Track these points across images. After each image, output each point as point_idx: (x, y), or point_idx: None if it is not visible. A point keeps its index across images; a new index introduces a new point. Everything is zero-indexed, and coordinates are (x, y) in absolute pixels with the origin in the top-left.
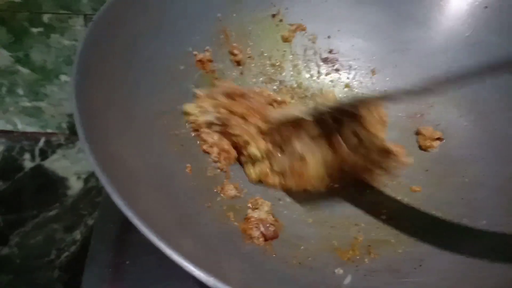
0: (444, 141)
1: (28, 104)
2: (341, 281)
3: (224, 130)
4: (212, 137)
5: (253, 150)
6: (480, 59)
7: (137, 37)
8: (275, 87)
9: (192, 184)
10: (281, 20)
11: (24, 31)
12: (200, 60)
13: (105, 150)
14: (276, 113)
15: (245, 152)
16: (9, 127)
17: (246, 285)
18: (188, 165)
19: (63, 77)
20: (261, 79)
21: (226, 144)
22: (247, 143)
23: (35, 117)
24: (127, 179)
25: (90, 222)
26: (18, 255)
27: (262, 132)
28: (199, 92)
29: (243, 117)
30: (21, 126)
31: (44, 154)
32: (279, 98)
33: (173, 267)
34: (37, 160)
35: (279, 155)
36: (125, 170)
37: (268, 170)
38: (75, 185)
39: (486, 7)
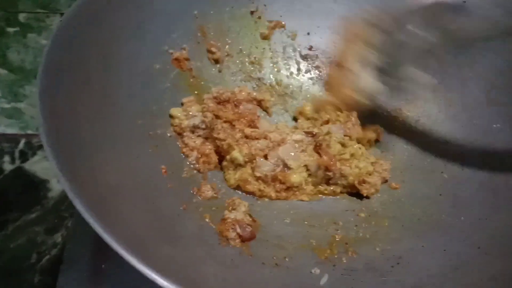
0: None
1: (7, 105)
2: (318, 281)
3: (208, 134)
4: (194, 141)
5: (236, 154)
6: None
7: (112, 36)
8: (254, 86)
9: (168, 186)
10: (259, 17)
11: (0, 31)
12: (176, 59)
13: (76, 155)
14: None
15: (227, 157)
16: None
17: None
18: (163, 166)
19: None
20: (239, 77)
21: (207, 149)
22: (230, 147)
23: (14, 118)
24: (101, 187)
25: (72, 224)
26: None
27: (247, 137)
28: (186, 99)
29: (229, 122)
30: (0, 128)
31: (24, 156)
32: (259, 97)
33: None
34: (17, 162)
35: (262, 160)
36: (99, 178)
37: (248, 176)
38: (56, 187)
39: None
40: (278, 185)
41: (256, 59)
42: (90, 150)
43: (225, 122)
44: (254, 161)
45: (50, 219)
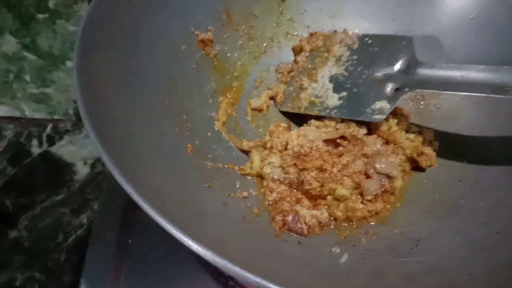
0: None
1: (35, 90)
2: (338, 260)
3: (294, 185)
4: (279, 187)
5: (343, 191)
6: (484, 41)
7: (140, 16)
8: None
9: (194, 164)
10: (284, 0)
11: (30, 17)
12: (201, 40)
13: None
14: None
15: (329, 197)
16: (17, 114)
17: (247, 260)
18: (189, 145)
19: (70, 63)
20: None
21: (291, 196)
22: (332, 190)
23: (42, 103)
24: (131, 159)
25: (96, 206)
26: (27, 238)
27: (344, 167)
28: (253, 144)
29: (319, 168)
30: (28, 113)
31: (51, 140)
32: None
33: (175, 245)
34: (45, 146)
35: (368, 181)
36: (129, 149)
37: (355, 203)
38: (82, 170)
39: None
40: (385, 196)
41: (280, 41)
42: (122, 124)
43: (312, 170)
44: (359, 187)
45: (76, 201)
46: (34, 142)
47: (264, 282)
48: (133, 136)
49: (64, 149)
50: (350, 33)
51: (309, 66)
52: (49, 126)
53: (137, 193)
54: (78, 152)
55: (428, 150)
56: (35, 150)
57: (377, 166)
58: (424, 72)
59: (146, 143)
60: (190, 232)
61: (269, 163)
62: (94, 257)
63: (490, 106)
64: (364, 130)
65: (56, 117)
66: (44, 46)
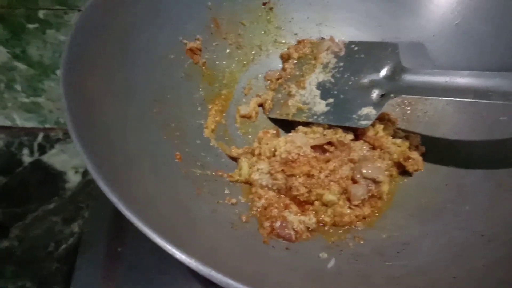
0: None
1: (26, 99)
2: (326, 264)
3: (283, 191)
4: (266, 194)
5: (330, 197)
6: (468, 47)
7: (129, 26)
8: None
9: (182, 172)
10: (271, 9)
11: (21, 28)
12: (190, 49)
13: (95, 139)
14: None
15: (316, 203)
16: (8, 123)
17: (235, 266)
18: (178, 153)
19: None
20: (250, 67)
21: (280, 202)
22: (319, 195)
23: (33, 112)
24: (118, 167)
25: (88, 215)
26: (18, 247)
27: (331, 173)
28: (241, 150)
29: (306, 174)
30: (19, 122)
31: (42, 149)
32: (262, 101)
33: (165, 254)
34: (36, 155)
35: (355, 186)
36: (116, 158)
37: (342, 208)
38: (73, 179)
39: None
40: (373, 201)
41: (268, 49)
42: (109, 133)
43: (300, 176)
44: (346, 192)
45: (67, 210)
46: (25, 151)
47: None
48: (121, 145)
49: (56, 158)
50: (337, 40)
51: (297, 73)
52: (40, 135)
53: (120, 201)
54: (69, 160)
55: (415, 155)
56: (27, 159)
57: (364, 171)
58: (409, 78)
59: (134, 152)
60: (177, 240)
61: (258, 170)
62: (84, 266)
63: (475, 111)
64: (350, 136)
65: (47, 126)
66: (35, 56)
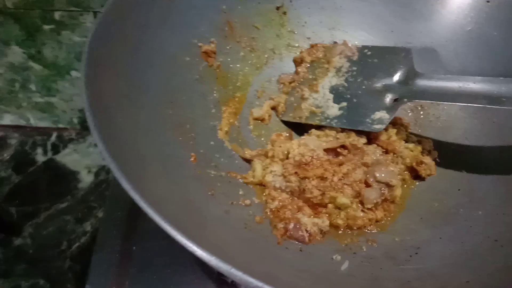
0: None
1: (40, 99)
2: (339, 267)
3: (296, 193)
4: (281, 195)
5: (343, 200)
6: (481, 53)
7: (145, 29)
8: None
9: (197, 172)
10: (285, 13)
11: (36, 28)
12: (205, 52)
13: (115, 139)
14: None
15: (330, 205)
16: (22, 122)
17: (248, 266)
18: (193, 154)
19: (74, 73)
20: (266, 70)
21: (293, 204)
22: (332, 198)
23: (47, 112)
24: (137, 167)
25: (100, 214)
26: (31, 246)
27: (345, 176)
28: (255, 152)
29: (319, 177)
30: (33, 121)
31: (56, 149)
32: (275, 104)
33: (178, 253)
34: (49, 154)
35: (368, 190)
36: (135, 158)
37: (355, 212)
38: (86, 179)
39: (488, 1)
40: (386, 205)
41: (281, 53)
42: (127, 134)
43: (313, 179)
44: (359, 195)
45: (79, 209)
46: (39, 150)
47: (266, 287)
48: (138, 145)
49: (69, 158)
50: (349, 45)
51: (310, 77)
52: (54, 135)
53: (144, 201)
54: (82, 160)
55: (427, 159)
56: (40, 158)
57: (377, 175)
58: (422, 83)
59: (150, 152)
60: (193, 239)
61: (271, 172)
62: (98, 265)
63: (487, 116)
64: (364, 140)
65: (60, 125)
66: (50, 57)
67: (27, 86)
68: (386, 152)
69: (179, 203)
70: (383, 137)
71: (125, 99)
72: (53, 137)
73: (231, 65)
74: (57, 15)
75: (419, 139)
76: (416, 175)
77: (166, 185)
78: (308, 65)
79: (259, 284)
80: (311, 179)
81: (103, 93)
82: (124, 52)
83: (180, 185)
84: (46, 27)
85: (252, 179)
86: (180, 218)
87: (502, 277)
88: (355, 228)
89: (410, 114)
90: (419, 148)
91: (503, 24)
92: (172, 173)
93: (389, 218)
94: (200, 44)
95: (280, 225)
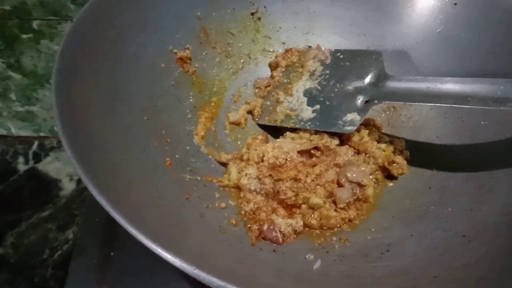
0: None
1: (21, 108)
2: (311, 266)
3: (271, 195)
4: (255, 197)
5: (316, 200)
6: (451, 54)
7: (119, 36)
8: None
9: (172, 177)
10: (259, 18)
11: (14, 38)
12: (180, 58)
13: (85, 145)
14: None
15: (303, 206)
16: (3, 132)
17: (226, 268)
18: (168, 159)
19: None
20: (242, 75)
21: (268, 206)
22: (306, 199)
23: (28, 121)
24: (109, 173)
25: (82, 221)
26: (13, 255)
27: (317, 177)
28: (230, 156)
29: (293, 179)
30: (14, 131)
31: (37, 157)
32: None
33: (156, 257)
34: (31, 163)
35: (340, 190)
36: (107, 164)
37: (328, 211)
38: (68, 186)
39: (455, 3)
40: (358, 204)
41: (256, 58)
42: (101, 140)
43: (287, 181)
44: (332, 195)
45: (61, 217)
46: (20, 159)
47: (229, 287)
48: (112, 152)
49: (50, 166)
50: (323, 49)
51: (285, 81)
52: (35, 143)
53: (111, 205)
54: (64, 168)
55: (399, 159)
56: (22, 167)
57: (349, 175)
58: (392, 84)
59: (124, 158)
60: (165, 242)
61: (246, 175)
62: (77, 271)
63: (456, 116)
64: (336, 141)
65: (42, 134)
66: (29, 66)
67: (7, 96)
68: (358, 152)
69: (154, 208)
70: (355, 138)
71: (98, 106)
72: (35, 146)
73: (207, 71)
74: (35, 24)
75: (391, 139)
76: (388, 175)
77: (140, 189)
78: (283, 70)
79: (222, 283)
80: (285, 180)
81: (74, 100)
82: (98, 59)
83: (155, 190)
84: (25, 36)
85: (227, 182)
86: (154, 223)
87: (469, 272)
88: (328, 227)
89: (383, 115)
90: (391, 148)
91: (471, 25)
92: (147, 178)
93: (361, 217)
94: (175, 50)
95: (255, 227)
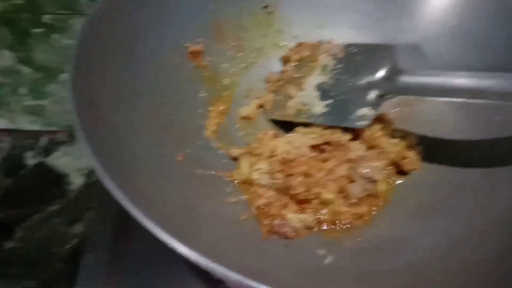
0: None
1: (31, 103)
2: (322, 260)
3: (281, 190)
4: (267, 192)
5: (328, 195)
6: (467, 48)
7: (133, 31)
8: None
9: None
10: (272, 12)
11: (26, 32)
12: (192, 52)
13: (100, 140)
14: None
15: (314, 201)
16: (12, 126)
17: (239, 262)
18: (181, 153)
19: (64, 76)
20: (253, 69)
21: (279, 201)
22: (317, 194)
23: (38, 115)
24: (124, 168)
25: (91, 215)
26: (23, 249)
27: (329, 172)
28: (241, 150)
29: (305, 174)
30: (24, 125)
31: (47, 152)
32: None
33: (169, 252)
34: (40, 157)
35: (352, 185)
36: (121, 159)
37: (340, 207)
38: (77, 181)
39: None
40: (370, 199)
41: (269, 52)
42: (117, 136)
43: (299, 176)
44: (343, 191)
45: (71, 211)
46: (29, 153)
47: (245, 281)
48: (125, 146)
49: (60, 160)
50: (335, 43)
51: (297, 75)
52: (45, 138)
53: (124, 197)
54: (73, 162)
55: (411, 155)
56: (30, 161)
57: (360, 170)
58: (405, 79)
59: (138, 153)
60: (179, 237)
61: (257, 169)
62: (88, 265)
63: (471, 111)
64: (348, 136)
65: (51, 128)
66: (39, 60)
67: (17, 90)
68: (370, 147)
69: (167, 202)
70: (367, 133)
71: (111, 101)
72: (44, 140)
73: (218, 65)
74: (46, 18)
75: (404, 135)
76: (400, 170)
77: (154, 185)
78: (295, 64)
79: (238, 277)
80: (296, 175)
81: (90, 95)
82: (113, 54)
83: (168, 184)
84: (36, 30)
85: (238, 177)
86: (169, 217)
87: (487, 267)
88: (339, 222)
89: (395, 110)
90: (404, 143)
91: (487, 18)
92: (159, 173)
93: (373, 213)
94: (188, 44)
95: (266, 222)
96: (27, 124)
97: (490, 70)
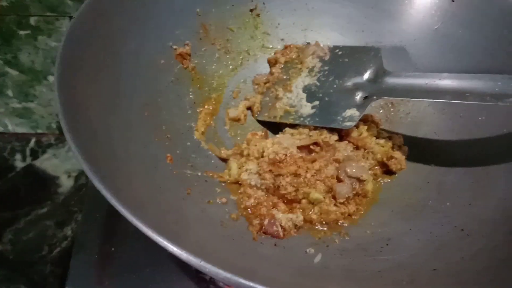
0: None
1: (18, 105)
2: (312, 259)
3: (271, 190)
4: (255, 193)
5: (316, 195)
6: (448, 51)
7: (119, 33)
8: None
9: (173, 173)
10: (258, 15)
11: (12, 34)
12: (179, 54)
13: (88, 141)
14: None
15: (303, 201)
16: (0, 129)
17: (226, 261)
18: (169, 154)
19: (52, 78)
20: (239, 71)
21: (268, 201)
22: (305, 193)
23: (25, 118)
24: (112, 169)
25: (81, 218)
26: (12, 252)
27: (317, 172)
28: (230, 152)
29: (293, 174)
30: (11, 127)
31: (35, 154)
32: (250, 104)
33: (157, 252)
34: (28, 160)
35: (339, 185)
36: (110, 160)
37: (328, 206)
38: (66, 183)
39: (453, 1)
40: (358, 199)
41: (256, 54)
42: (102, 136)
43: (287, 176)
44: (331, 190)
45: (60, 214)
46: (18, 156)
47: (235, 278)
48: (114, 147)
49: (48, 163)
50: (321, 45)
51: (284, 77)
52: (33, 140)
53: (116, 199)
54: (61, 165)
55: (398, 154)
56: (19, 164)
57: (348, 170)
58: (390, 80)
59: (126, 154)
60: (168, 236)
61: (246, 170)
62: (78, 266)
63: (454, 112)
64: (335, 137)
65: (39, 131)
66: (26, 62)
67: (4, 92)
68: (357, 148)
69: (156, 203)
70: (354, 133)
71: (100, 102)
72: (32, 143)
73: (206, 67)
74: (32, 20)
75: (390, 135)
76: (387, 170)
77: (143, 185)
78: (282, 66)
79: (228, 275)
80: (285, 176)
81: (76, 96)
82: (99, 55)
83: (156, 185)
84: (22, 32)
85: (228, 177)
86: (156, 218)
87: (468, 265)
88: (328, 222)
89: (381, 111)
90: (390, 143)
91: (468, 22)
92: (148, 174)
93: (361, 212)
94: (175, 46)
95: (256, 221)
96: (14, 126)
97: (469, 72)
